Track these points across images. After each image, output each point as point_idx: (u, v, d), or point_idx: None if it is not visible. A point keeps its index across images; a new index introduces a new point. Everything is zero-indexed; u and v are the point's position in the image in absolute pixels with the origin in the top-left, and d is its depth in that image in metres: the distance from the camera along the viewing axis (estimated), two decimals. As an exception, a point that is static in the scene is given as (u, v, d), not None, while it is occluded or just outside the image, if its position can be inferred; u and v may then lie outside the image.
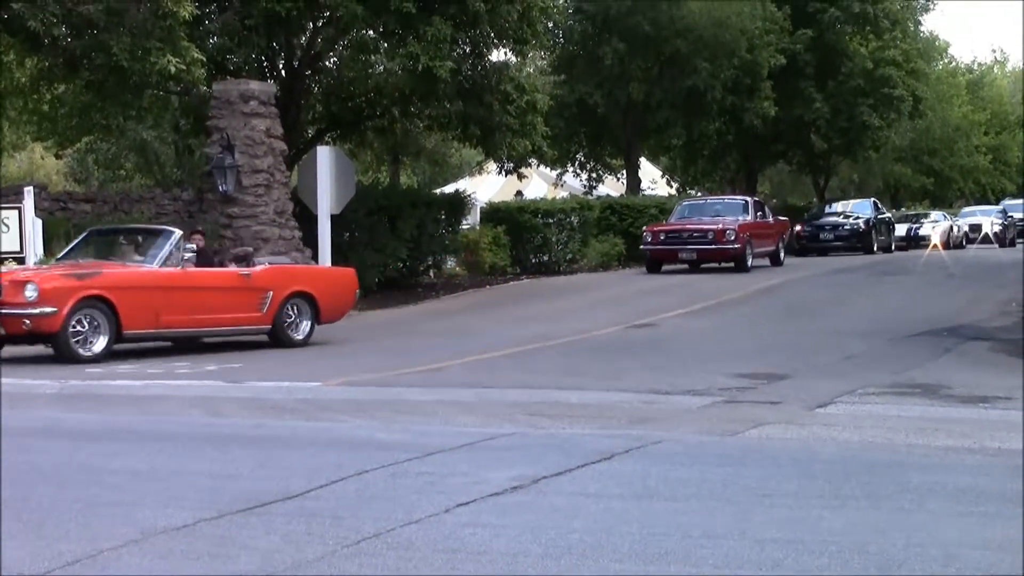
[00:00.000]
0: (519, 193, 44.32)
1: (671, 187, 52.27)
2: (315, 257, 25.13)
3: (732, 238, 31.66)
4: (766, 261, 33.83)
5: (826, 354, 16.54)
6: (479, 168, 44.94)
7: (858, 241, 42.25)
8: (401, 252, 28.66)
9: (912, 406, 12.04)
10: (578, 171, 46.56)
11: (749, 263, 31.81)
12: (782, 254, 35.02)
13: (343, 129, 31.61)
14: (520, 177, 34.41)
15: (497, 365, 15.98)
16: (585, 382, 13.99)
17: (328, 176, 25.36)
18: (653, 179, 53.23)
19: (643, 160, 49.85)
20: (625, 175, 45.74)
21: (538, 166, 42.42)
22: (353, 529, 6.93)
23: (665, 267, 32.67)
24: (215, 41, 26.62)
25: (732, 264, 31.99)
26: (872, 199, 47.49)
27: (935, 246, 46.30)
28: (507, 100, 28.29)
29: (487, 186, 48.94)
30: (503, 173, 33.84)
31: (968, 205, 61.98)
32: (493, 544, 6.65)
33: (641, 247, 33.25)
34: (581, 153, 45.95)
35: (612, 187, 49.31)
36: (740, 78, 41.84)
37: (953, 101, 65.78)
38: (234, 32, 26.20)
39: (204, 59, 23.29)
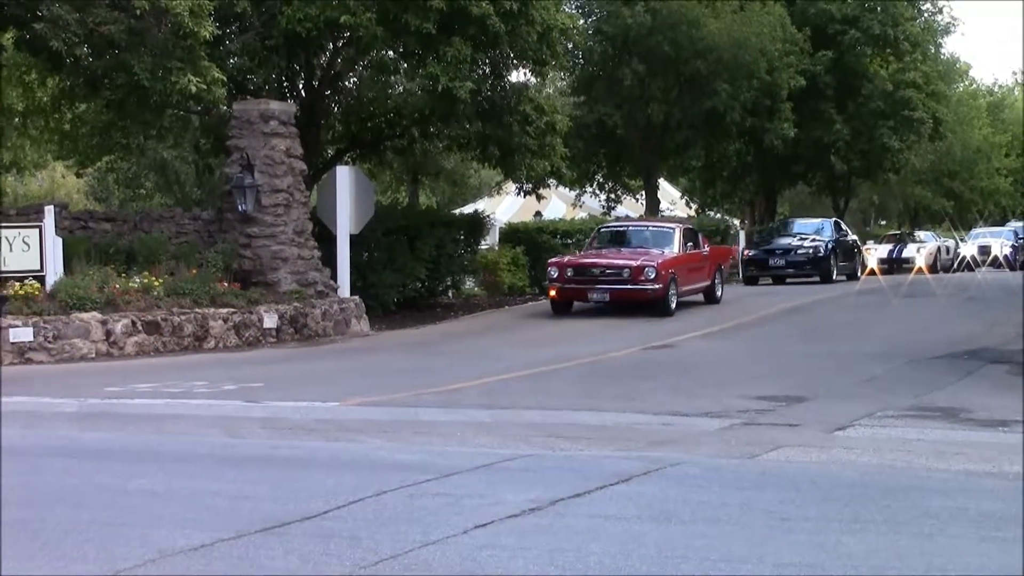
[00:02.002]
0: (538, 214, 44.38)
1: (690, 208, 52.27)
2: (334, 277, 25.20)
3: (652, 276, 26.15)
4: (700, 297, 29.06)
5: (845, 377, 16.48)
6: (498, 189, 45.02)
7: (813, 268, 37.40)
8: (420, 272, 28.71)
9: (932, 429, 11.98)
10: (597, 192, 46.60)
11: (673, 305, 26.53)
12: (719, 290, 29.73)
13: (363, 149, 31.71)
14: (539, 198, 34.46)
15: (515, 386, 15.97)
16: (603, 403, 13.97)
17: (348, 196, 25.44)
18: (672, 200, 53.31)
19: (662, 181, 49.89)
20: (644, 196, 45.76)
21: (557, 187, 42.46)
22: (371, 550, 6.92)
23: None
24: (235, 61, 26.73)
25: (653, 307, 26.40)
26: (834, 219, 42.89)
27: (919, 269, 43.92)
28: (526, 121, 28.33)
29: (506, 206, 48.98)
30: (522, 194, 33.87)
31: (981, 227, 59.65)
32: (511, 566, 6.63)
33: (545, 283, 28.19)
34: (600, 174, 45.99)
35: (631, 208, 49.35)
36: (760, 99, 41.83)
37: (974, 123, 65.70)
38: (254, 52, 26.32)
39: (224, 79, 23.38)
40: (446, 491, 8.59)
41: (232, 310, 22.29)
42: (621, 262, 26.74)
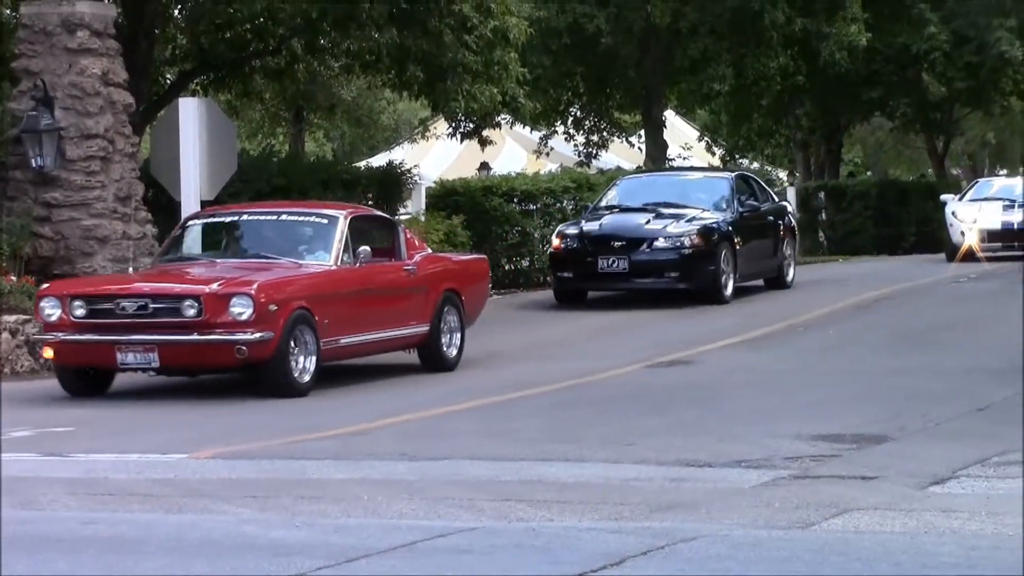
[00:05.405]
0: (484, 166, 44.39)
1: (713, 154, 52.30)
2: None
3: (245, 316, 19.04)
4: (400, 357, 21.55)
5: (947, 403, 16.56)
6: (423, 130, 45.01)
7: (683, 274, 28.69)
8: (308, 256, 28.71)
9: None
10: (572, 132, 46.61)
11: (305, 377, 19.47)
12: (450, 343, 21.56)
13: (219, 72, 31.61)
14: (484, 143, 34.44)
15: (452, 424, 16.00)
16: (584, 450, 14.01)
17: (197, 143, 25.39)
18: (686, 143, 53.32)
19: (671, 115, 49.90)
20: (644, 137, 45.80)
21: (512, 125, 42.48)
22: None
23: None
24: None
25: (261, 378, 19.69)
26: (736, 174, 34.87)
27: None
28: (464, 26, 28.26)
29: (436, 156, 49.00)
30: (459, 137, 33.91)
31: None
32: None
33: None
34: (577, 105, 46.00)
35: (624, 155, 49.42)
36: (815, -9, 42.02)
37: None
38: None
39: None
40: (347, 585, 8.63)
41: (23, 318, 22.21)
42: (180, 286, 20.17)
